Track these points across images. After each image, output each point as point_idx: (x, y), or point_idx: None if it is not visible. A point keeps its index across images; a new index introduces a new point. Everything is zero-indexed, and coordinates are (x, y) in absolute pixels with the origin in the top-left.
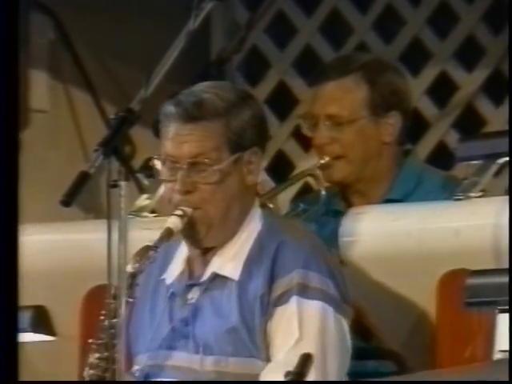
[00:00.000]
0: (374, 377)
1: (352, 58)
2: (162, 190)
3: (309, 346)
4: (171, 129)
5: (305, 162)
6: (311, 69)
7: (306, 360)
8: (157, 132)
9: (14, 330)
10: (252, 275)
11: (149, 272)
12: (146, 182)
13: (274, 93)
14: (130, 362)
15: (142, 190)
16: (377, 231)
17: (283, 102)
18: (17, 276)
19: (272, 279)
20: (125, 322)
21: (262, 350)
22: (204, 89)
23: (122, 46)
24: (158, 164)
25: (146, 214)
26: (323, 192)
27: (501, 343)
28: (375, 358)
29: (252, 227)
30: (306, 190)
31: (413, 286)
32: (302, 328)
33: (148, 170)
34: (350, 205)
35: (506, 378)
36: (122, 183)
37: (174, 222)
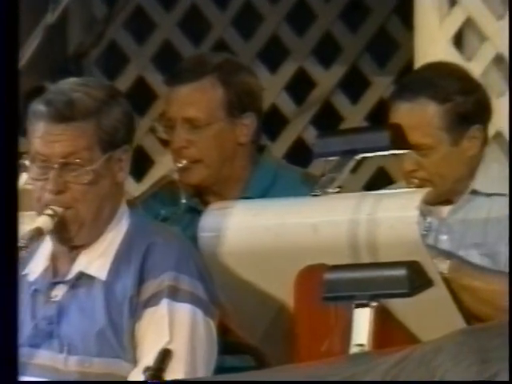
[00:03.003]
0: (232, 372)
1: (205, 60)
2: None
3: (178, 349)
4: (41, 127)
5: (164, 158)
6: (170, 64)
7: (164, 355)
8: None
9: (15, 330)
10: (120, 275)
11: None
12: None
13: (133, 88)
14: None
15: None
16: (236, 226)
17: (142, 97)
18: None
19: (141, 281)
20: None
21: (129, 351)
22: (73, 87)
23: None
24: (27, 162)
25: None
26: (184, 200)
27: (357, 337)
28: (233, 353)
29: (120, 226)
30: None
31: (272, 281)
32: (172, 331)
33: None
34: (208, 206)
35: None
36: None
37: (44, 221)
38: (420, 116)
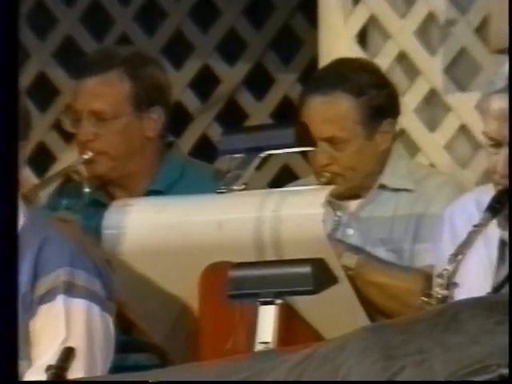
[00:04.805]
0: (135, 370)
1: (113, 52)
2: None
3: (76, 346)
4: None
5: (66, 154)
6: (72, 59)
7: (67, 354)
8: None
9: (15, 331)
10: None
11: None
12: None
13: (35, 83)
14: None
15: None
16: (141, 224)
17: (44, 92)
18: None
19: (36, 276)
20: None
21: (23, 349)
22: None
23: None
24: None
25: None
26: (87, 190)
27: (262, 335)
28: (136, 351)
29: None
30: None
31: (176, 279)
32: (68, 327)
33: None
34: (113, 199)
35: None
36: None
37: None
38: (336, 109)
